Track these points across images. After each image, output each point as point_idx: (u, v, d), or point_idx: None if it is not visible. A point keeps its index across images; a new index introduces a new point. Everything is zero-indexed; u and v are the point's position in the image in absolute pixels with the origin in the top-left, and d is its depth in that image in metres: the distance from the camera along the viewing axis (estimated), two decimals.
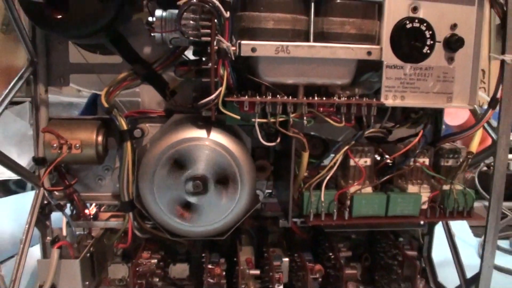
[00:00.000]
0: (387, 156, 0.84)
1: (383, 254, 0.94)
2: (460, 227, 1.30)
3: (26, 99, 1.62)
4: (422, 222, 0.97)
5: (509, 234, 1.38)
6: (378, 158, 0.85)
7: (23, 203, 1.20)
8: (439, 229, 0.98)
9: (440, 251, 0.98)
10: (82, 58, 0.91)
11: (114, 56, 0.88)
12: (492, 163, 1.49)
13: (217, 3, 0.67)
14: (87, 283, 0.89)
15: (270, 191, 0.95)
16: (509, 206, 1.46)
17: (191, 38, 0.70)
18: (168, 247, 0.94)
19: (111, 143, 0.91)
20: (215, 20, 0.68)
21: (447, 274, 0.96)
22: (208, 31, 0.69)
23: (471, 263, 0.90)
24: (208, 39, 0.69)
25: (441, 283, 0.97)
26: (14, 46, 2.22)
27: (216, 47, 0.69)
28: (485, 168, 1.58)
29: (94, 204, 0.97)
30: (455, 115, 1.40)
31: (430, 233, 0.99)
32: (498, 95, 0.77)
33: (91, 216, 0.95)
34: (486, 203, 1.41)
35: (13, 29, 2.01)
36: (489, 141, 1.53)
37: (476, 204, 1.41)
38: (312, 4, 0.71)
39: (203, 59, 0.77)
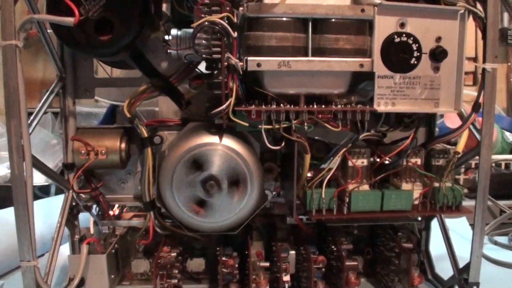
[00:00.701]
0: (383, 156, 0.92)
1: (382, 247, 1.01)
2: (460, 225, 1.35)
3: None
4: (419, 219, 1.04)
5: (508, 231, 1.41)
6: (378, 159, 0.94)
7: (48, 207, 1.28)
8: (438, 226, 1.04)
9: (440, 246, 1.03)
10: (106, 73, 1.00)
11: (134, 71, 0.95)
12: (494, 164, 1.57)
13: (226, 25, 0.74)
14: (113, 276, 0.97)
15: (277, 191, 1.01)
16: (508, 204, 1.50)
17: (204, 55, 0.78)
18: (186, 243, 1.01)
19: (132, 149, 0.98)
20: (225, 40, 0.75)
21: (444, 267, 1.01)
22: (219, 49, 0.76)
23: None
24: (219, 56, 0.76)
25: (438, 274, 1.03)
26: (32, 59, 2.31)
27: (226, 63, 0.76)
28: None
29: (117, 205, 1.04)
30: (455, 118, 1.47)
31: (427, 228, 1.05)
32: (481, 100, 0.84)
33: (115, 216, 1.03)
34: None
35: (31, 44, 2.10)
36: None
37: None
38: (310, 23, 0.78)
39: (215, 73, 0.86)
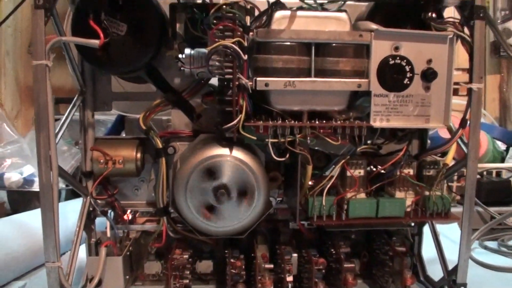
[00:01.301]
0: (378, 167, 0.99)
1: (378, 251, 1.07)
2: (452, 230, 1.41)
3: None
4: (412, 224, 1.10)
5: (497, 236, 1.49)
6: (374, 169, 1.01)
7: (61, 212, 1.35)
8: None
9: (433, 250, 1.08)
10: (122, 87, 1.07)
11: (149, 85, 1.01)
12: (485, 172, 1.64)
13: (237, 48, 0.81)
14: (127, 277, 1.03)
15: (281, 198, 1.07)
16: (498, 211, 1.57)
17: (217, 75, 0.84)
18: (195, 247, 1.07)
19: (146, 159, 1.04)
20: (236, 62, 0.82)
21: (436, 269, 1.07)
22: (231, 70, 0.83)
23: None
24: (230, 76, 0.83)
25: (429, 276, 1.09)
26: None
27: (237, 83, 0.83)
28: (478, 177, 1.70)
29: (129, 210, 1.09)
30: None
31: (419, 233, 1.11)
32: (467, 116, 0.91)
33: (129, 220, 1.09)
34: (479, 209, 1.56)
35: None
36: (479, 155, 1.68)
37: None
38: (313, 47, 0.85)
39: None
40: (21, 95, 2.37)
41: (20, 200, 1.64)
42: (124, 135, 1.26)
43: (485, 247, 1.42)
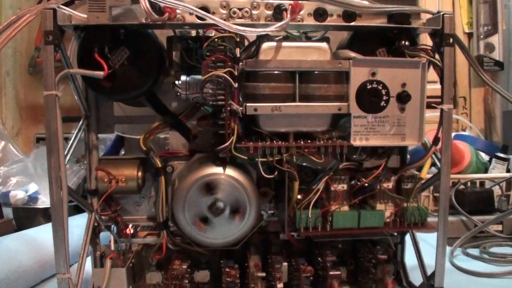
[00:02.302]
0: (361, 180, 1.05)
1: (362, 259, 1.14)
2: (434, 238, 1.48)
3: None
4: (396, 233, 1.17)
5: (480, 244, 1.55)
6: (358, 182, 1.08)
7: None
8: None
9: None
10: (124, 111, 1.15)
11: (147, 108, 1.08)
12: (469, 183, 1.72)
13: (229, 78, 0.89)
14: (131, 287, 1.09)
15: (272, 211, 1.14)
16: (480, 219, 1.63)
17: (211, 102, 0.93)
18: (193, 258, 1.13)
19: (147, 177, 1.11)
20: (228, 89, 0.91)
21: (419, 275, 1.13)
22: (223, 97, 0.91)
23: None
24: (223, 103, 0.91)
25: (411, 281, 1.16)
26: (38, 86, 2.44)
27: (229, 108, 0.91)
28: (462, 187, 1.75)
29: (131, 225, 1.15)
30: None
31: (402, 242, 1.18)
32: (439, 135, 0.98)
33: (131, 234, 1.14)
34: (462, 217, 1.64)
35: (38, 71, 2.22)
36: (462, 166, 1.76)
37: (453, 218, 1.64)
38: (297, 75, 0.93)
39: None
40: (22, 113, 2.44)
41: (25, 216, 1.70)
42: (123, 152, 1.33)
43: (467, 254, 1.48)
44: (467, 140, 2.00)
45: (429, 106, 0.99)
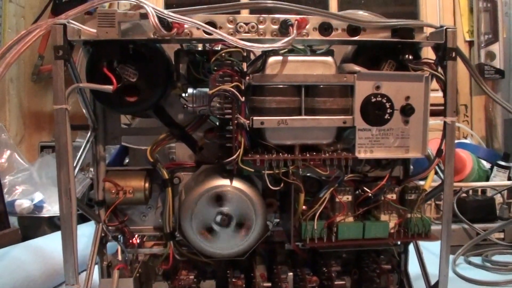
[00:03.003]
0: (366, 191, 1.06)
1: (367, 269, 1.16)
2: (438, 247, 1.49)
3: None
4: (399, 243, 1.20)
5: (482, 252, 1.56)
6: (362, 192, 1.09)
7: None
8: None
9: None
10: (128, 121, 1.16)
11: (154, 120, 1.10)
12: (471, 191, 1.73)
13: (236, 92, 0.91)
14: None
15: (277, 221, 1.16)
16: (482, 227, 1.65)
17: (218, 115, 0.95)
18: (200, 268, 1.14)
19: (153, 188, 1.12)
20: (235, 103, 0.92)
21: (422, 285, 1.13)
22: (230, 111, 0.93)
23: None
24: (230, 116, 0.93)
25: None
26: (42, 94, 2.46)
27: (236, 122, 0.93)
28: (463, 195, 1.76)
29: (137, 235, 1.16)
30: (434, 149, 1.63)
31: (405, 252, 1.19)
32: (443, 147, 0.99)
33: (138, 244, 1.15)
34: (464, 225, 1.65)
35: (42, 79, 2.23)
36: (464, 175, 1.77)
37: (455, 226, 1.65)
38: (303, 89, 0.94)
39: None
40: (25, 121, 2.45)
41: (30, 225, 1.71)
42: (127, 160, 1.34)
43: (469, 263, 1.49)
44: (468, 148, 2.02)
45: (432, 113, 1.00)
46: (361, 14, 1.08)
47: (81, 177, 1.83)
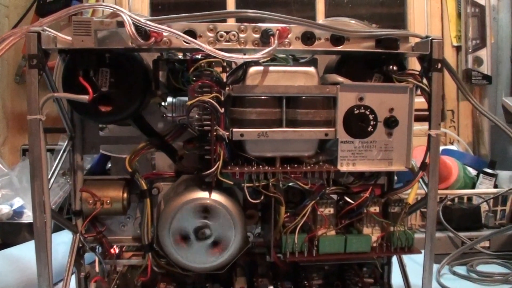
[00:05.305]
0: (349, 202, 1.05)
1: (349, 281, 1.14)
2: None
3: None
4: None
5: (467, 261, 1.54)
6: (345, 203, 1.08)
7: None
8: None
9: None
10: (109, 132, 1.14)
11: (134, 129, 1.08)
12: (457, 198, 1.72)
13: (215, 103, 0.89)
14: None
15: (258, 232, 1.14)
16: (468, 236, 1.64)
17: (197, 127, 0.92)
18: (179, 280, 1.12)
19: (132, 198, 1.10)
20: (214, 115, 0.90)
21: None
22: (209, 122, 0.90)
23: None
24: (209, 128, 0.90)
25: None
26: (26, 95, 2.42)
27: (215, 133, 0.91)
28: (449, 203, 1.76)
29: (116, 245, 1.14)
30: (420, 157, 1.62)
31: (388, 263, 1.17)
32: (427, 160, 0.98)
33: (116, 255, 1.13)
34: (450, 234, 1.64)
35: (25, 80, 2.20)
36: (450, 182, 1.76)
37: (440, 234, 1.64)
38: (284, 100, 0.92)
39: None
40: (8, 122, 2.43)
41: (10, 231, 1.68)
42: (110, 165, 1.32)
43: (454, 273, 1.47)
44: (454, 155, 2.01)
45: (417, 119, 0.99)
46: (347, 22, 1.07)
47: (63, 182, 1.80)
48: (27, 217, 1.71)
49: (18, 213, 1.70)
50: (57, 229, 1.56)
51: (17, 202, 1.72)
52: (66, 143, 1.07)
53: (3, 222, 1.68)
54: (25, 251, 1.33)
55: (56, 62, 1.01)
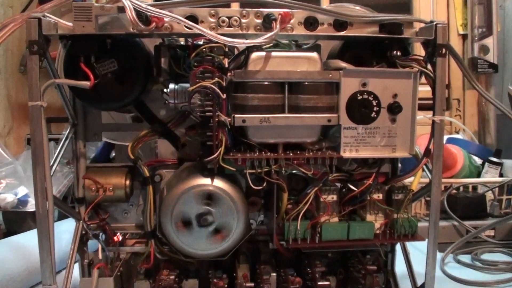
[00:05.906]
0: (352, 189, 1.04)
1: (352, 269, 1.14)
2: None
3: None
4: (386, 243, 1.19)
5: (471, 249, 1.55)
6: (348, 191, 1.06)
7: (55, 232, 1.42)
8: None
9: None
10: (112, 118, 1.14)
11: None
12: (462, 187, 1.71)
13: (216, 89, 0.88)
14: None
15: (261, 220, 1.13)
16: (472, 224, 1.65)
17: (198, 113, 0.91)
18: (182, 267, 1.11)
19: (135, 185, 1.10)
20: (216, 100, 0.89)
21: (410, 285, 1.12)
22: (211, 108, 0.90)
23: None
24: (211, 114, 0.90)
25: None
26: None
27: (217, 120, 0.90)
28: (454, 191, 1.76)
29: (119, 233, 1.15)
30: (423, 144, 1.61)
31: (392, 251, 1.17)
32: (431, 146, 0.97)
33: (119, 242, 1.14)
34: (454, 223, 1.64)
35: None
36: (455, 170, 1.75)
37: (445, 223, 1.63)
38: (286, 86, 0.92)
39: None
40: (13, 112, 2.42)
41: (15, 220, 1.69)
42: (114, 154, 1.32)
43: (458, 261, 1.47)
44: (460, 144, 2.00)
45: (421, 108, 0.98)
46: (351, 8, 1.05)
47: (67, 171, 1.80)
48: (32, 205, 1.70)
49: (23, 201, 1.71)
50: (61, 217, 1.58)
51: (22, 191, 1.72)
52: (68, 130, 1.07)
53: (8, 210, 1.69)
54: (29, 238, 1.33)
55: (58, 49, 1.00)
